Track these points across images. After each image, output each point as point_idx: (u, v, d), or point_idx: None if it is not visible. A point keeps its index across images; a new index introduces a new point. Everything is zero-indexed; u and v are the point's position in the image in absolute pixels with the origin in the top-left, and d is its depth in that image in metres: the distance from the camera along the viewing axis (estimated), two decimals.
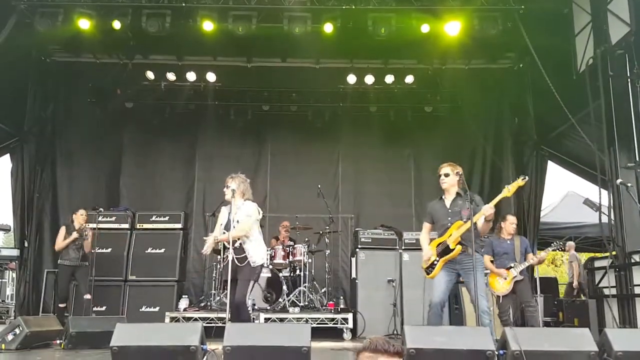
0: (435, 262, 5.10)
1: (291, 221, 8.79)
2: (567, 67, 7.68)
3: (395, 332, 7.47)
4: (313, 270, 8.43)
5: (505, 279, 6.27)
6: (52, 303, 8.98)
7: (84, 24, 7.60)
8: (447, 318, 7.78)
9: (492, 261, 6.46)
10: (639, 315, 6.13)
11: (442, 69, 9.77)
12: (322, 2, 7.72)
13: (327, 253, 8.59)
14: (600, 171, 6.92)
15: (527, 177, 5.21)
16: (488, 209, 4.89)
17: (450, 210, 5.16)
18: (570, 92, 7.48)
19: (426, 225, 5.40)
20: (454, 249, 4.98)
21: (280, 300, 7.76)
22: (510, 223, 6.53)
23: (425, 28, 7.82)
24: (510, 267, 6.31)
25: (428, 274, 5.18)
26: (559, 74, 7.64)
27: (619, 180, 6.01)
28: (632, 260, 6.35)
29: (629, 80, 6.67)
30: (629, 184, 5.74)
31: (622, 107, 6.67)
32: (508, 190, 5.04)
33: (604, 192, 6.86)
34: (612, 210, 6.70)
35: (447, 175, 5.23)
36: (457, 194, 5.23)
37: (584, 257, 10.95)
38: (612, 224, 6.69)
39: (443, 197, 5.30)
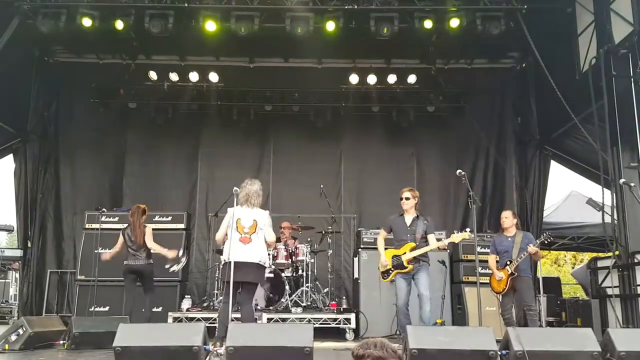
0: (391, 271, 6.06)
1: (293, 221, 8.77)
2: (570, 67, 7.68)
3: (397, 332, 7.44)
4: (315, 271, 8.40)
5: (502, 277, 6.23)
6: (56, 303, 9.01)
7: (87, 24, 7.62)
8: (450, 319, 7.83)
9: (497, 261, 6.40)
10: None
11: (444, 69, 9.77)
12: (325, 2, 7.73)
13: (329, 253, 8.57)
14: (603, 171, 6.91)
15: (468, 231, 6.04)
16: (430, 247, 6.04)
17: (409, 228, 6.08)
18: (573, 91, 7.48)
19: (383, 234, 6.35)
20: (407, 267, 5.96)
21: (282, 300, 7.75)
22: (502, 217, 6.50)
23: (427, 27, 7.81)
24: (506, 265, 6.24)
25: (384, 278, 6.18)
26: (561, 74, 7.63)
27: (622, 180, 6.00)
28: (635, 260, 6.34)
29: (632, 79, 6.67)
30: (632, 184, 5.73)
31: (625, 106, 6.67)
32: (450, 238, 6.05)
33: (607, 192, 6.85)
34: (615, 210, 6.69)
35: (407, 198, 6.11)
36: (416, 215, 6.11)
37: (587, 256, 10.92)
38: (615, 223, 6.69)
39: (403, 214, 6.16)
